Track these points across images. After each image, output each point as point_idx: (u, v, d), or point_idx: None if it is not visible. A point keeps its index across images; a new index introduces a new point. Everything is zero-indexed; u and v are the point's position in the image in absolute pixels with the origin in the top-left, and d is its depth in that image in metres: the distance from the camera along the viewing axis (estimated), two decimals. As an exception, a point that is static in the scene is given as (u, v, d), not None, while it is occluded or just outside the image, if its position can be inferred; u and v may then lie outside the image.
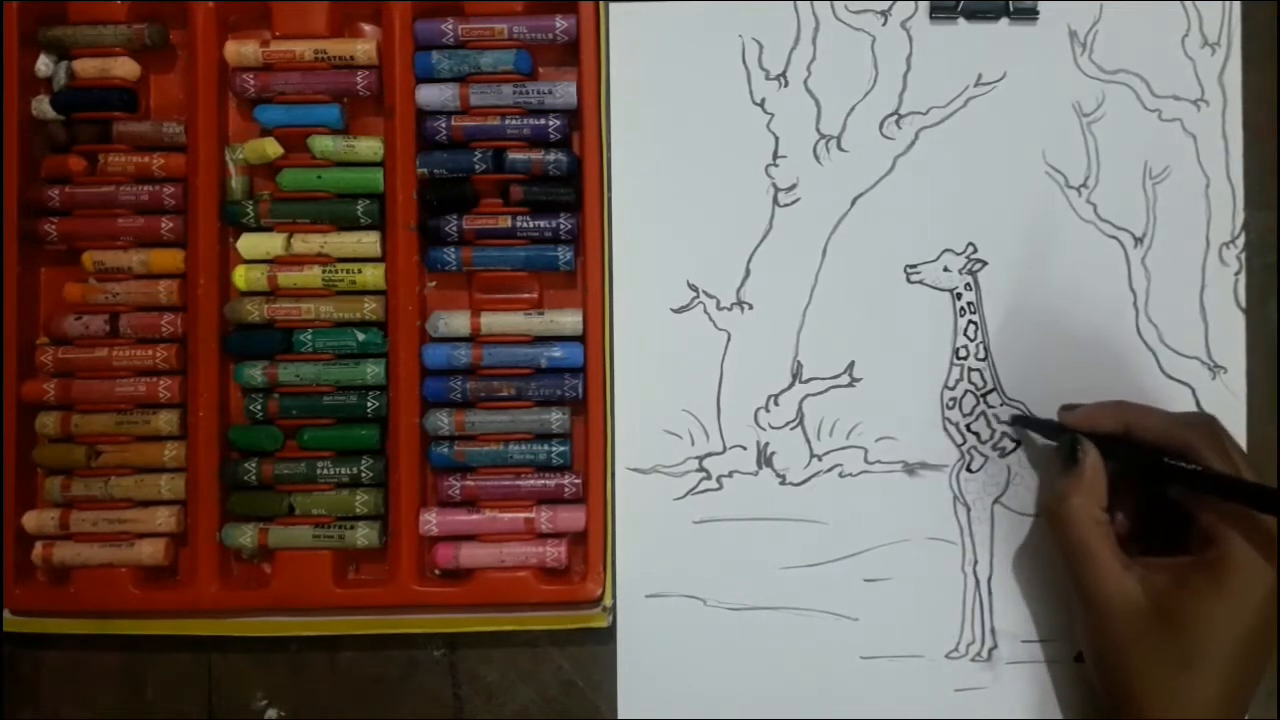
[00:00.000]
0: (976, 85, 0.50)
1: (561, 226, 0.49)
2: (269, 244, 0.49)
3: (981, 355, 0.50)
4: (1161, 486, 0.44)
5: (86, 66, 0.49)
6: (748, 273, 0.50)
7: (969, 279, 0.50)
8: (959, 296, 0.50)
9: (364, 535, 0.48)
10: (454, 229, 0.49)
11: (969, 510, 0.50)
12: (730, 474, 0.50)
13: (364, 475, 0.49)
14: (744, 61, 0.50)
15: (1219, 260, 0.50)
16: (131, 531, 0.49)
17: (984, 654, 0.49)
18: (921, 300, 0.50)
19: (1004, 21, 0.50)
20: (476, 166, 0.49)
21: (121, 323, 0.49)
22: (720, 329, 0.50)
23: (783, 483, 0.50)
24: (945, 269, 0.50)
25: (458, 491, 0.49)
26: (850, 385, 0.50)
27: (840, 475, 0.50)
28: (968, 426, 0.50)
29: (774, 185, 0.50)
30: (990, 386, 0.50)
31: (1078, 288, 0.50)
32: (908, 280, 0.50)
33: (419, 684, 0.50)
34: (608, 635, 0.49)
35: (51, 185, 0.49)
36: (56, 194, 0.49)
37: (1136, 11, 0.50)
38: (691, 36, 0.50)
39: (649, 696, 0.49)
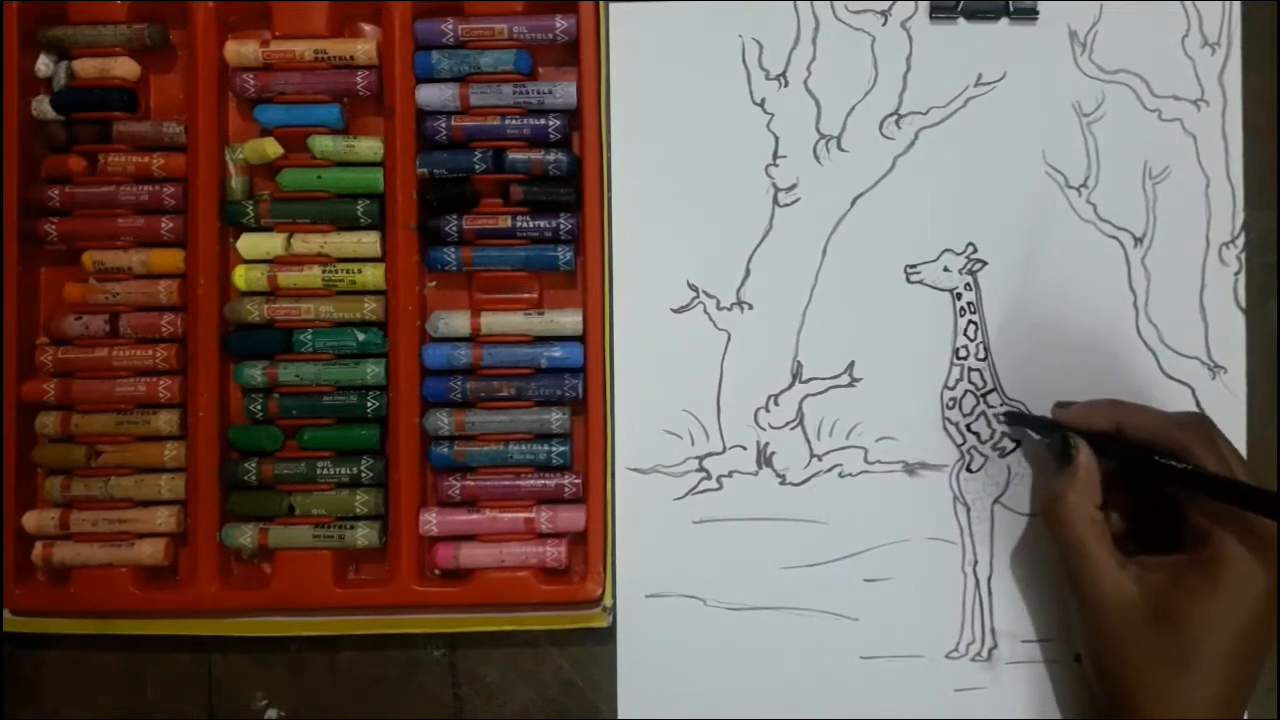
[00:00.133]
0: (976, 85, 0.50)
1: (561, 226, 0.49)
2: (269, 244, 0.49)
3: (981, 355, 0.50)
4: (1154, 485, 0.44)
5: (86, 66, 0.49)
6: (748, 273, 0.50)
7: (969, 279, 0.50)
8: (959, 296, 0.50)
9: (364, 535, 0.48)
10: (454, 229, 0.49)
11: (969, 510, 0.50)
12: (730, 474, 0.50)
13: (364, 475, 0.49)
14: (744, 61, 0.50)
15: (1219, 260, 0.50)
16: (131, 531, 0.49)
17: (984, 654, 0.49)
18: (921, 300, 0.50)
19: (1004, 21, 0.50)
20: (476, 166, 0.49)
21: (121, 323, 0.49)
22: (720, 329, 0.50)
23: (783, 483, 0.50)
24: (945, 269, 0.50)
25: (458, 491, 0.49)
26: (850, 385, 0.50)
27: (840, 475, 0.50)
28: (968, 426, 0.50)
29: (774, 185, 0.50)
30: (990, 386, 0.50)
31: (1078, 288, 0.50)
32: (908, 280, 0.50)
33: (419, 684, 0.50)
34: (608, 635, 0.49)
35: (51, 185, 0.49)
36: (56, 194, 0.49)
37: (1136, 11, 0.50)
38: (691, 36, 0.50)
39: (649, 696, 0.49)
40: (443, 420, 0.49)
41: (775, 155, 0.50)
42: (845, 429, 0.50)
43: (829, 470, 0.50)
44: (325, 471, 0.49)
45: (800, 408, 0.50)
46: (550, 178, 0.49)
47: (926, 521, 0.50)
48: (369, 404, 0.49)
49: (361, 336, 0.49)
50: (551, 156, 0.49)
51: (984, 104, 0.50)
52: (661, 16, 0.50)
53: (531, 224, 0.49)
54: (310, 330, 0.49)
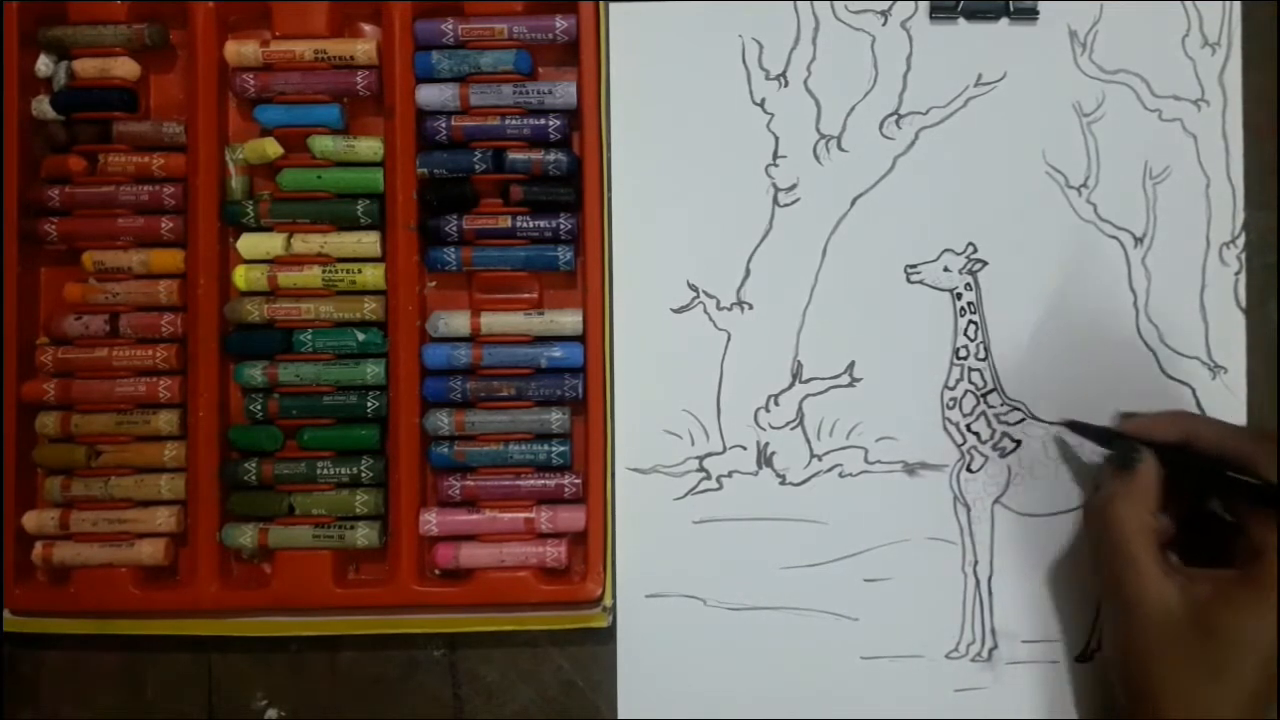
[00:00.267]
0: (976, 85, 0.50)
1: (561, 226, 0.49)
2: (269, 244, 0.49)
3: (981, 355, 0.50)
4: (1218, 499, 0.44)
5: (86, 66, 0.49)
6: (748, 273, 0.50)
7: (969, 279, 0.50)
8: (959, 296, 0.50)
9: (364, 535, 0.48)
10: (454, 229, 0.49)
11: (969, 510, 0.50)
12: (730, 474, 0.50)
13: (364, 475, 0.49)
14: (744, 61, 0.50)
15: (1219, 260, 0.50)
16: (131, 531, 0.49)
17: (984, 654, 0.49)
18: (921, 300, 0.50)
19: (1004, 21, 0.50)
20: (476, 166, 0.49)
21: (121, 323, 0.49)
22: (720, 329, 0.50)
23: (783, 483, 0.50)
24: (945, 269, 0.50)
25: (458, 491, 0.49)
26: (850, 385, 0.50)
27: (840, 475, 0.50)
28: (968, 426, 0.50)
29: (774, 185, 0.50)
30: (990, 386, 0.50)
31: (1078, 288, 0.50)
32: (908, 280, 0.50)
33: (419, 684, 0.50)
34: (608, 635, 0.49)
35: (51, 185, 0.49)
36: (56, 194, 0.49)
37: (1137, 11, 0.50)
38: (691, 36, 0.50)
39: (649, 696, 0.49)
40: (443, 420, 0.49)
41: (775, 155, 0.50)
42: (845, 429, 0.50)
43: (829, 470, 0.50)
44: (325, 471, 0.49)
45: (800, 408, 0.50)
46: (550, 178, 0.49)
47: (926, 521, 0.50)
48: (369, 404, 0.49)
49: (361, 336, 0.49)
50: (551, 156, 0.49)
51: (984, 104, 0.50)
52: (661, 16, 0.50)
53: (531, 224, 0.49)
54: (310, 330, 0.49)
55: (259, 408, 0.49)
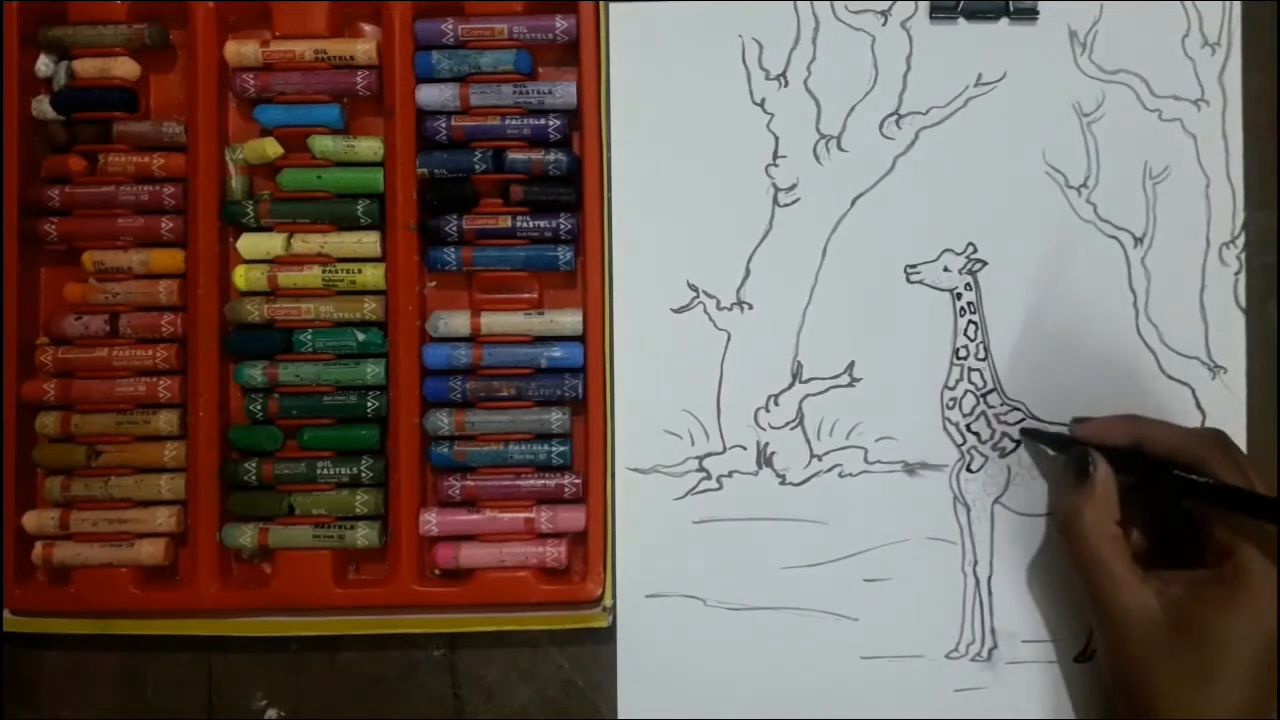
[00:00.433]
0: (976, 85, 0.50)
1: (561, 226, 0.49)
2: (269, 244, 0.49)
3: (981, 355, 0.50)
4: (1174, 499, 0.44)
5: (86, 66, 0.49)
6: (748, 273, 0.50)
7: (969, 279, 0.50)
8: (959, 296, 0.50)
9: (364, 535, 0.48)
10: (454, 229, 0.49)
11: (969, 510, 0.50)
12: (730, 474, 0.50)
13: (364, 475, 0.49)
14: (744, 61, 0.50)
15: (1219, 260, 0.50)
16: (131, 531, 0.49)
17: (984, 654, 0.49)
18: (921, 300, 0.50)
19: (1004, 21, 0.50)
20: (476, 166, 0.49)
21: (121, 323, 0.49)
22: (720, 329, 0.50)
23: (783, 483, 0.50)
24: (945, 269, 0.50)
25: (458, 491, 0.49)
26: (850, 385, 0.50)
27: (840, 475, 0.50)
28: (968, 426, 0.50)
29: (774, 185, 0.50)
30: (990, 386, 0.50)
31: (1077, 288, 0.50)
32: (908, 280, 0.50)
33: (419, 684, 0.50)
34: (608, 635, 0.49)
35: (51, 185, 0.49)
36: (56, 194, 0.49)
37: (1136, 11, 0.50)
38: (691, 36, 0.50)
39: (649, 696, 0.49)
40: (443, 420, 0.49)
41: (775, 155, 0.50)
42: (845, 429, 0.50)
43: (829, 470, 0.50)
44: (325, 471, 0.49)
45: (800, 408, 0.50)
46: (550, 178, 0.49)
47: (926, 521, 0.50)
48: (369, 404, 0.49)
49: (361, 336, 0.49)
50: (551, 156, 0.49)
51: (984, 104, 0.50)
52: (661, 16, 0.50)
53: (531, 224, 0.49)
54: (310, 330, 0.49)
55: (259, 408, 0.49)
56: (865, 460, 0.50)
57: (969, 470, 0.50)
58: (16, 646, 0.50)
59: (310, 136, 0.49)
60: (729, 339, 0.50)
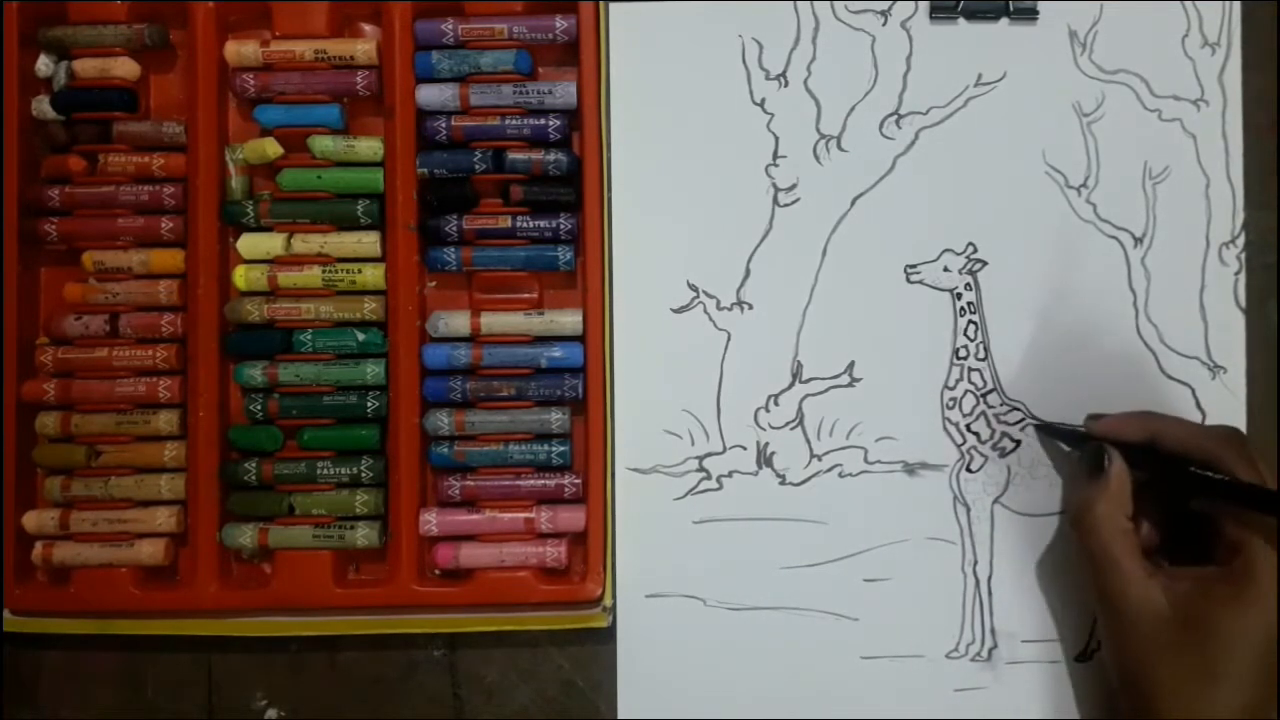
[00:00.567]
0: (976, 85, 0.50)
1: (561, 226, 0.49)
2: (269, 244, 0.49)
3: (981, 355, 0.50)
4: (1187, 496, 0.44)
5: (86, 66, 0.49)
6: (748, 273, 0.50)
7: (969, 279, 0.50)
8: (959, 296, 0.50)
9: (364, 535, 0.48)
10: (454, 229, 0.49)
11: (969, 510, 0.50)
12: (730, 474, 0.50)
13: (364, 475, 0.49)
14: (744, 61, 0.50)
15: (1219, 260, 0.50)
16: (131, 531, 0.49)
17: (984, 654, 0.49)
18: (921, 300, 0.50)
19: (1004, 21, 0.50)
20: (476, 166, 0.49)
21: (121, 323, 0.49)
22: (720, 329, 0.50)
23: (783, 483, 0.50)
24: (945, 269, 0.50)
25: (458, 491, 0.49)
26: (850, 385, 0.50)
27: (840, 475, 0.50)
28: (968, 426, 0.50)
29: (774, 185, 0.50)
30: (990, 386, 0.50)
31: (1078, 288, 0.50)
32: (908, 280, 0.50)
33: (419, 684, 0.50)
34: (608, 635, 0.49)
35: (51, 185, 0.49)
36: (56, 194, 0.49)
37: (1136, 11, 0.50)
38: (691, 36, 0.50)
39: (649, 696, 0.49)
40: (443, 420, 0.49)
41: (775, 155, 0.50)
42: (845, 429, 0.50)
43: (829, 470, 0.50)
44: (325, 471, 0.49)
45: (800, 408, 0.50)
46: (550, 178, 0.49)
47: (926, 521, 0.50)
48: (369, 404, 0.49)
49: (361, 336, 0.49)
50: (551, 156, 0.49)
51: (984, 104, 0.50)
52: (661, 16, 0.50)
53: (531, 224, 0.49)
54: (310, 330, 0.49)
55: (259, 408, 0.49)
56: (865, 460, 0.50)
57: (969, 470, 0.50)
58: (16, 646, 0.50)
59: (310, 136, 0.49)
60: (729, 339, 0.50)
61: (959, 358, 0.50)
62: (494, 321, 0.49)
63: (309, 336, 0.49)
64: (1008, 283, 0.50)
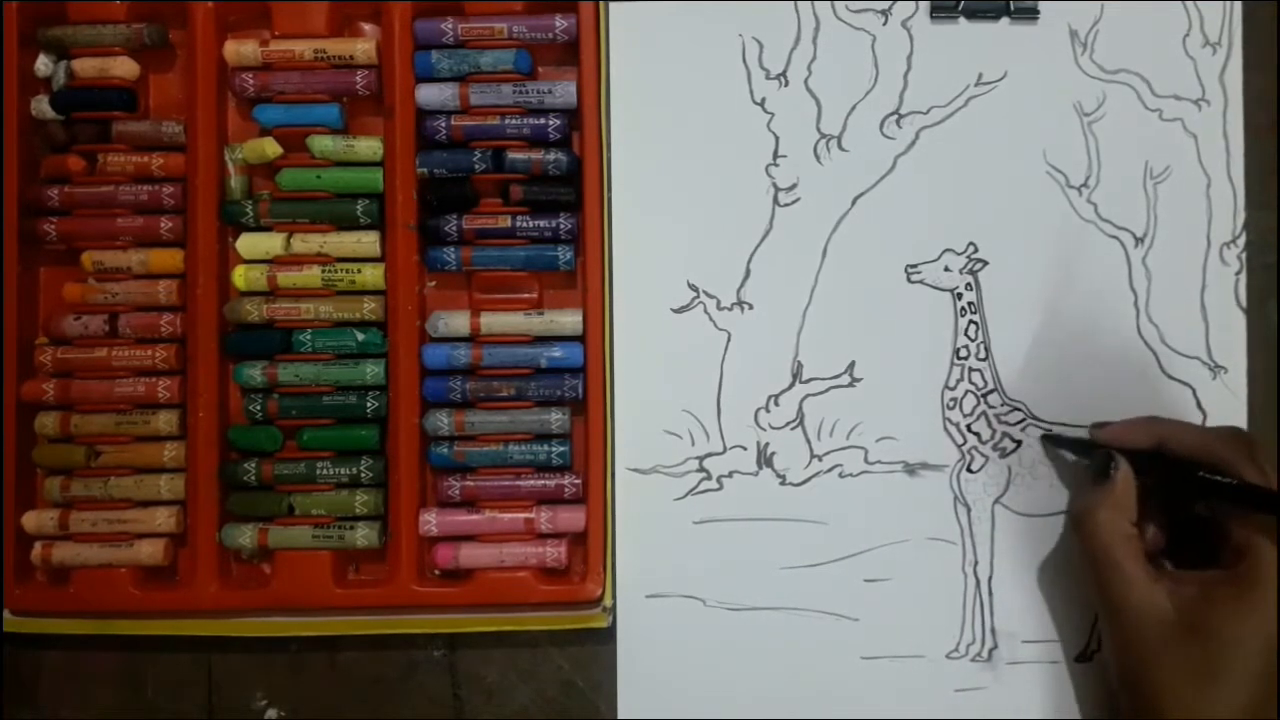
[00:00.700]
0: (977, 85, 0.50)
1: (561, 226, 0.49)
2: (268, 244, 0.49)
3: (982, 355, 0.50)
4: (1194, 501, 0.44)
5: (86, 66, 0.49)
6: (748, 273, 0.50)
7: (969, 279, 0.50)
8: (959, 296, 0.50)
9: (364, 535, 0.48)
10: (454, 229, 0.49)
11: (969, 510, 0.50)
12: (730, 474, 0.50)
13: (364, 475, 0.49)
14: (744, 61, 0.50)
15: (1219, 260, 0.50)
16: (131, 532, 0.49)
17: (984, 654, 0.49)
18: (922, 300, 0.50)
19: (1004, 21, 0.50)
20: (476, 166, 0.49)
21: (121, 323, 0.49)
22: (720, 329, 0.50)
23: (783, 483, 0.50)
24: (946, 269, 0.50)
25: (457, 492, 0.49)
26: (850, 385, 0.50)
27: (840, 475, 0.50)
28: (968, 426, 0.50)
29: (774, 185, 0.50)
30: (991, 386, 0.50)
31: (1078, 288, 0.50)
32: (908, 280, 0.50)
33: (419, 684, 0.50)
34: (608, 635, 0.49)
35: (51, 185, 0.49)
36: (56, 194, 0.49)
37: (1137, 11, 0.50)
38: (691, 36, 0.50)
39: (649, 696, 0.49)
40: (442, 420, 0.48)
41: (775, 155, 0.50)
42: (845, 429, 0.50)
43: (829, 470, 0.50)
44: (325, 472, 0.49)
45: (800, 408, 0.50)
46: (550, 177, 0.49)
47: (927, 521, 0.50)
48: (369, 404, 0.49)
49: (361, 336, 0.49)
50: (551, 156, 0.49)
51: (985, 104, 0.50)
52: (661, 16, 0.50)
53: (531, 224, 0.49)
54: (310, 330, 0.49)
55: (259, 408, 0.49)
56: (865, 460, 0.50)
57: (969, 470, 0.50)
58: (16, 646, 0.50)
59: (310, 136, 0.49)
60: (729, 339, 0.50)
61: (959, 358, 0.50)
62: (494, 321, 0.49)
63: (308, 336, 0.49)
64: (1008, 282, 0.50)
